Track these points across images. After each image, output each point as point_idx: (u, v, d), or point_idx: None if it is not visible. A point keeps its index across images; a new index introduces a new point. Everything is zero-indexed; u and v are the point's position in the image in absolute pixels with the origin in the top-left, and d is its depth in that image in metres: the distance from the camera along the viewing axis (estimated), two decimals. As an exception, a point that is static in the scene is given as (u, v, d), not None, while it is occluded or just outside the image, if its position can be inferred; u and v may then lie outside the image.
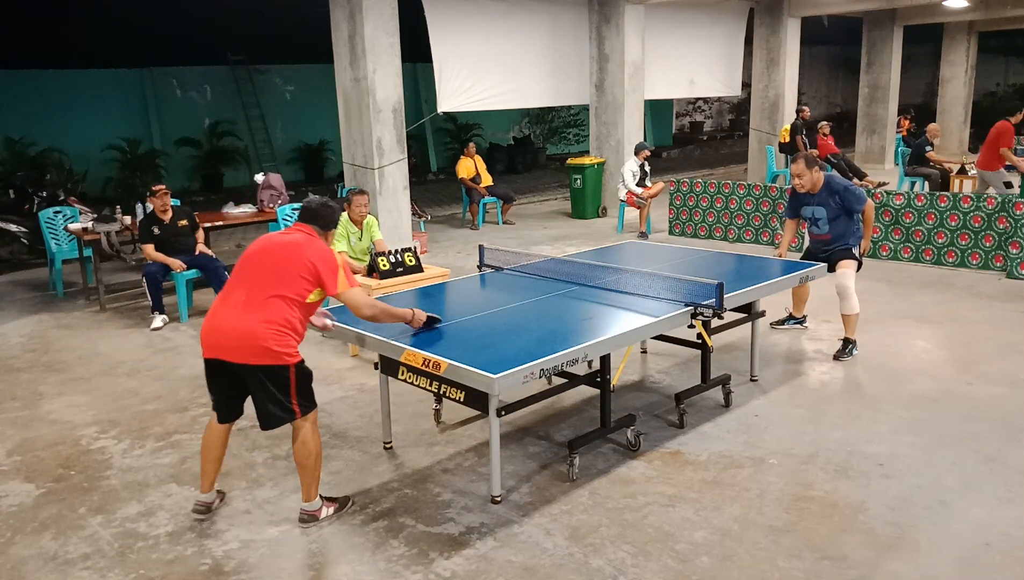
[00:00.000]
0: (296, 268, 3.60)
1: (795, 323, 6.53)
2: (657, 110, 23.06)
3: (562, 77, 12.59)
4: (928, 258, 8.56)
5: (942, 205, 8.43)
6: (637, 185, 10.81)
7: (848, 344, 5.85)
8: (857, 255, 5.91)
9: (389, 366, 4.25)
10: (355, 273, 6.36)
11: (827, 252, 5.94)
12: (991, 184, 10.62)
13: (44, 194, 10.46)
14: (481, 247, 5.71)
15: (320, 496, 3.85)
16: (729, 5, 14.60)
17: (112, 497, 4.19)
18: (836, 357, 5.83)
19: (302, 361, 3.67)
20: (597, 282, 4.97)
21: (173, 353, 6.50)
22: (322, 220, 3.83)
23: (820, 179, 5.90)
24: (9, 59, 14.56)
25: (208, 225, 8.21)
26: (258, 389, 3.63)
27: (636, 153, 11.03)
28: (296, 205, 9.00)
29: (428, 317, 4.09)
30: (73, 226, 8.43)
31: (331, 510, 3.87)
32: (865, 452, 4.38)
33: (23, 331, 7.30)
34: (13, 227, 9.88)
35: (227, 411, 3.86)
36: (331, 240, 3.92)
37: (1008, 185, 10.51)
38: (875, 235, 8.83)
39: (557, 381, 4.48)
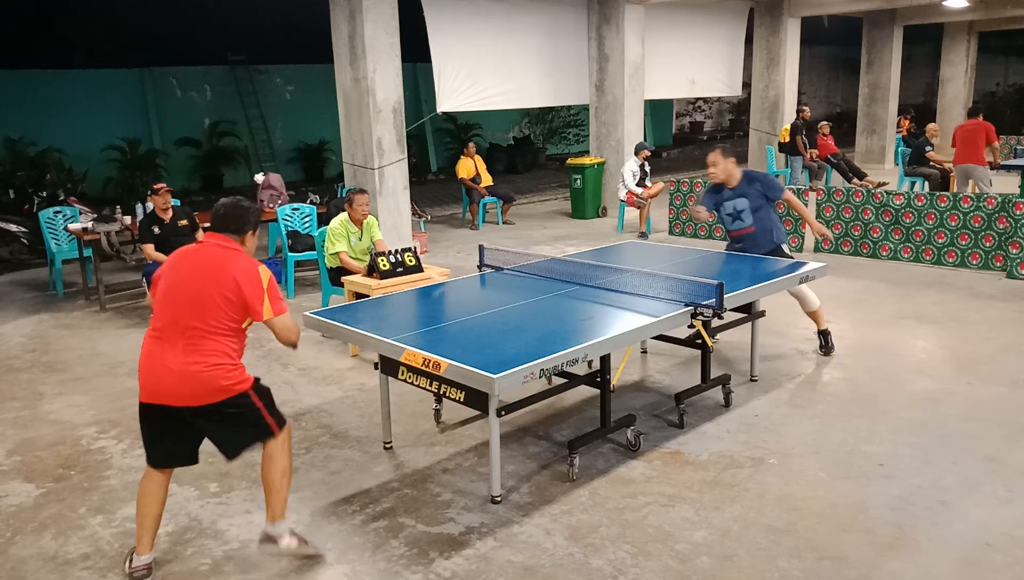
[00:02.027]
0: (222, 297, 3.24)
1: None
2: (657, 110, 23.06)
3: (561, 77, 12.59)
4: (928, 258, 8.56)
5: (942, 205, 8.43)
6: (637, 185, 10.81)
7: (828, 336, 5.91)
8: (788, 252, 5.82)
9: (389, 366, 4.26)
10: (355, 273, 6.38)
11: (750, 252, 5.79)
12: (979, 180, 10.63)
13: (44, 194, 10.47)
14: (481, 247, 5.71)
15: (289, 530, 3.51)
16: (729, 5, 14.60)
17: (112, 497, 4.19)
18: (826, 353, 5.88)
19: (257, 380, 3.41)
20: (597, 282, 4.97)
21: (173, 353, 6.49)
22: (234, 224, 3.41)
23: (737, 173, 5.80)
24: (9, 59, 14.56)
25: (208, 225, 8.19)
26: (220, 422, 3.33)
27: (636, 153, 11.03)
28: (296, 205, 9.00)
29: None
30: (73, 226, 8.43)
31: (295, 543, 3.46)
32: (865, 452, 4.38)
33: (23, 331, 7.30)
34: (13, 227, 9.88)
35: (167, 456, 3.43)
36: (250, 243, 3.50)
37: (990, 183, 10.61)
38: (875, 235, 8.85)
39: (557, 381, 4.48)
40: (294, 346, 3.48)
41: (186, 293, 3.27)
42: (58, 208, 8.94)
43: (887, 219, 8.79)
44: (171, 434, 3.39)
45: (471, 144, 12.82)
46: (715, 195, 5.92)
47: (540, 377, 3.59)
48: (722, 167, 5.78)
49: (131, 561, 3.43)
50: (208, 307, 3.24)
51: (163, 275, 3.40)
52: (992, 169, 10.90)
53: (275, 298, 3.33)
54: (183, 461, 3.51)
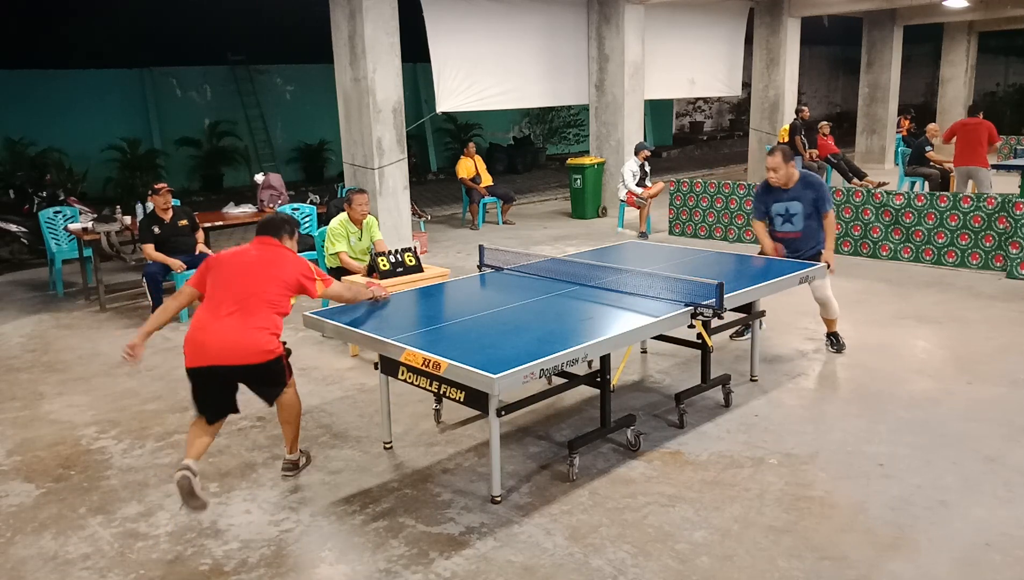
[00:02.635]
0: (282, 282, 4.08)
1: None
2: (657, 110, 23.06)
3: (560, 77, 12.59)
4: (928, 258, 8.56)
5: (942, 205, 8.43)
6: (637, 185, 10.81)
7: (838, 337, 6.00)
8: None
9: (389, 366, 4.26)
10: (355, 273, 6.38)
11: (796, 256, 5.79)
12: (981, 183, 10.61)
13: (44, 194, 10.46)
14: (481, 247, 5.71)
15: (300, 450, 4.42)
16: (729, 5, 14.60)
17: (112, 497, 4.19)
18: (839, 351, 5.95)
19: (285, 344, 4.16)
20: (597, 282, 4.97)
21: (173, 353, 6.49)
22: (272, 230, 4.25)
23: (795, 174, 5.81)
24: (9, 59, 14.56)
25: (208, 225, 8.21)
26: (257, 379, 4.08)
27: (636, 153, 11.03)
28: (296, 205, 9.01)
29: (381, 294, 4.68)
30: (73, 226, 8.43)
31: (304, 459, 4.44)
32: (865, 452, 4.38)
33: (23, 331, 7.30)
34: (13, 227, 9.87)
35: (216, 412, 4.07)
36: (287, 245, 4.29)
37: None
38: (875, 235, 8.85)
39: (557, 381, 4.48)
40: (351, 301, 4.54)
41: (248, 275, 4.04)
42: (58, 208, 8.94)
43: (887, 219, 8.79)
44: (217, 392, 4.03)
45: (471, 144, 12.82)
46: (766, 196, 5.91)
47: (540, 377, 3.59)
48: (783, 172, 5.75)
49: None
50: (267, 285, 4.03)
51: (216, 265, 4.11)
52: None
53: (322, 277, 4.26)
54: (230, 411, 4.11)
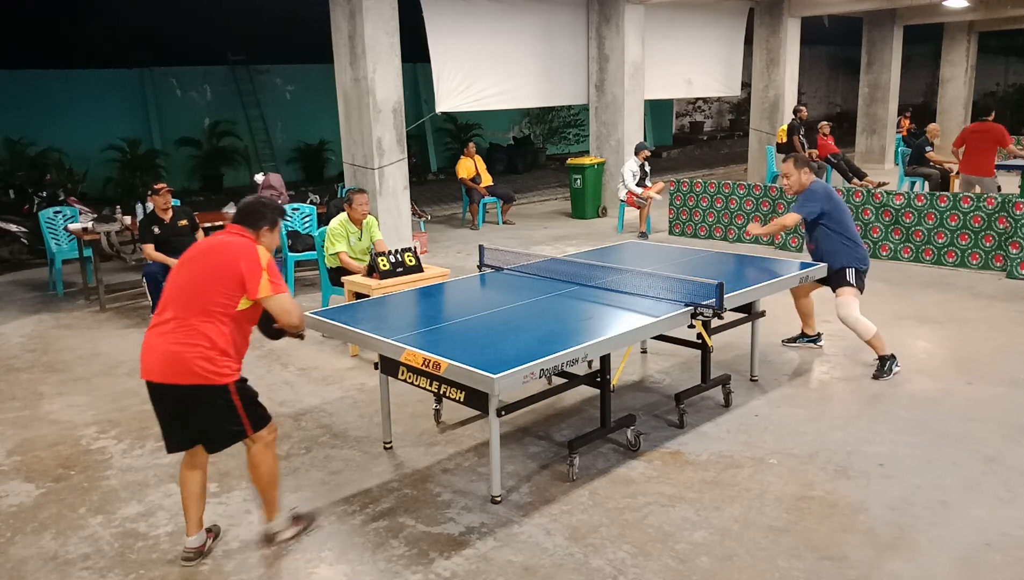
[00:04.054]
0: (220, 274, 3.34)
1: (808, 341, 6.09)
2: (657, 110, 23.05)
3: (560, 77, 12.59)
4: (928, 258, 8.56)
5: (942, 205, 8.43)
6: (637, 185, 10.82)
7: (885, 362, 5.43)
8: (852, 280, 5.42)
9: (389, 366, 4.26)
10: (355, 273, 6.38)
11: None
12: (987, 189, 10.50)
13: (44, 194, 10.46)
14: (481, 247, 5.71)
15: (287, 518, 3.73)
16: (729, 5, 14.60)
17: (112, 497, 4.19)
18: (876, 377, 5.40)
19: (241, 380, 3.40)
20: (597, 282, 4.97)
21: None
22: (248, 218, 3.55)
23: (808, 183, 5.54)
24: (9, 59, 14.56)
25: (208, 225, 8.20)
26: (199, 409, 3.37)
27: (636, 153, 11.03)
28: (296, 205, 9.01)
29: None
30: (73, 226, 8.43)
31: (293, 531, 3.69)
32: (865, 452, 4.38)
33: (23, 331, 7.30)
34: (13, 227, 9.88)
35: (174, 439, 3.49)
36: (265, 239, 3.57)
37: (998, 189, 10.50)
38: (875, 235, 8.85)
39: (557, 381, 4.49)
40: (297, 329, 3.52)
41: (188, 274, 3.42)
42: (58, 208, 8.94)
43: (887, 219, 8.79)
44: (172, 413, 3.43)
45: (471, 144, 12.82)
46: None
47: (540, 377, 3.59)
48: (795, 178, 5.52)
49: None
50: (204, 286, 3.34)
51: (175, 266, 3.54)
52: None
53: (274, 278, 3.39)
54: (197, 441, 3.48)
